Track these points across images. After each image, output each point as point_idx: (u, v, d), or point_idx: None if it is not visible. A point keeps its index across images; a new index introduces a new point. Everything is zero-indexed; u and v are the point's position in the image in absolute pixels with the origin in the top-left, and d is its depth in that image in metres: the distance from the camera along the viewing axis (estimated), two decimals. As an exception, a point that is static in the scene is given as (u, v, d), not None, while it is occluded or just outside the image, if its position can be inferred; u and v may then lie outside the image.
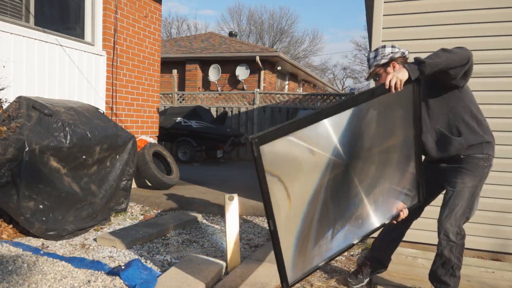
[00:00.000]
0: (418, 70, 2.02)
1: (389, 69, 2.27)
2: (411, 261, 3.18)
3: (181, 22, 45.64)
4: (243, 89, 13.42)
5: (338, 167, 2.03)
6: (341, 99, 2.04)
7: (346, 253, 3.24)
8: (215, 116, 10.42)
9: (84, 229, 3.48)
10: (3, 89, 3.46)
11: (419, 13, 3.39)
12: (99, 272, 2.57)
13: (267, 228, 4.01)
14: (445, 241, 2.22)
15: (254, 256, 3.02)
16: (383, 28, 3.48)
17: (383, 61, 2.28)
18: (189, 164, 8.99)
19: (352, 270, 2.93)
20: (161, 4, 6.00)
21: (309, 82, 18.75)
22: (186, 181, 6.07)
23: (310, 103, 10.79)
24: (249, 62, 13.25)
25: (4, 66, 3.75)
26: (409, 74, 2.01)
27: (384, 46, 2.32)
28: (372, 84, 2.90)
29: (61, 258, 2.76)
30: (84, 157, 3.51)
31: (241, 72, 13.40)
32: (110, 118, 4.76)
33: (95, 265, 2.65)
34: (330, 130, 1.95)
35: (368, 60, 2.39)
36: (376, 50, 2.35)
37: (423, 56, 2.06)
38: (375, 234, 2.52)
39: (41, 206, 3.19)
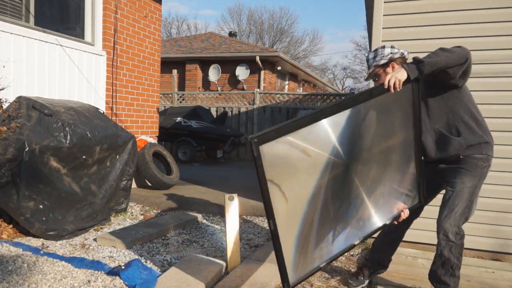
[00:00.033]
0: (417, 70, 2.02)
1: (388, 69, 2.27)
2: (411, 261, 3.18)
3: (181, 22, 45.68)
4: (243, 89, 13.42)
5: (338, 167, 2.03)
6: (340, 99, 2.05)
7: (346, 253, 3.24)
8: (215, 116, 10.42)
9: (84, 229, 3.48)
10: (3, 89, 3.46)
11: (419, 13, 3.39)
12: (99, 272, 2.57)
13: (267, 228, 4.02)
14: (444, 241, 2.22)
15: (254, 256, 3.02)
16: (383, 28, 3.48)
17: (382, 61, 2.28)
18: (189, 164, 8.99)
19: (352, 270, 2.93)
20: (161, 4, 6.00)
21: (309, 82, 18.75)
22: (186, 181, 6.07)
23: (310, 103, 10.79)
24: (249, 62, 13.25)
25: (4, 66, 3.75)
26: (408, 74, 2.01)
27: (383, 47, 2.32)
28: (372, 84, 2.90)
29: (61, 258, 2.76)
30: (84, 157, 3.51)
31: (241, 72, 13.40)
32: (110, 118, 4.76)
33: (95, 265, 2.65)
34: (329, 130, 1.95)
35: (367, 60, 2.39)
36: (376, 50, 2.35)
37: (422, 56, 2.06)
38: (375, 234, 2.52)
39: (41, 206, 3.19)
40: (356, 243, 2.26)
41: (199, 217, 4.23)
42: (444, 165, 2.34)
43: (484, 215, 3.27)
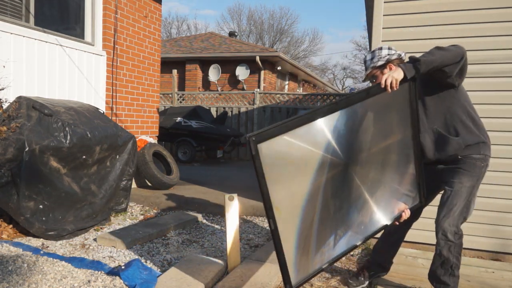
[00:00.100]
0: (413, 69, 2.04)
1: (386, 70, 2.28)
2: (411, 261, 3.18)
3: (181, 22, 45.68)
4: (243, 89, 13.42)
5: (336, 167, 2.03)
6: (338, 99, 2.07)
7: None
8: (215, 116, 10.42)
9: (84, 229, 3.48)
10: (3, 89, 3.46)
11: (419, 13, 3.39)
12: (99, 272, 2.57)
13: (267, 228, 4.02)
14: (443, 241, 2.23)
15: (254, 256, 3.02)
16: (383, 28, 3.48)
17: (380, 63, 2.30)
18: (189, 164, 8.99)
19: (352, 270, 2.93)
20: (161, 4, 6.00)
21: (309, 82, 18.75)
22: (186, 181, 6.07)
23: (310, 103, 10.79)
24: (249, 62, 13.25)
25: (4, 66, 3.75)
26: (404, 73, 2.03)
27: (380, 48, 2.34)
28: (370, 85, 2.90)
29: (61, 258, 2.76)
30: (84, 157, 3.51)
31: (241, 72, 13.40)
32: (110, 118, 4.76)
33: (95, 265, 2.65)
34: (327, 129, 1.96)
35: (365, 62, 2.41)
36: (373, 52, 2.37)
37: None
38: (377, 235, 2.52)
39: (41, 206, 3.19)
40: (358, 243, 2.27)
41: (199, 217, 4.23)
42: (442, 166, 2.35)
43: (484, 215, 3.27)
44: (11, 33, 3.90)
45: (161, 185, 5.22)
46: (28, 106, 3.40)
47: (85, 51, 4.78)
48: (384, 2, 3.47)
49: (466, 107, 2.26)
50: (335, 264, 3.03)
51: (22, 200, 3.07)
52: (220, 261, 2.84)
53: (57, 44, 4.39)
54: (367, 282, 2.66)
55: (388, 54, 2.29)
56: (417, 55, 2.10)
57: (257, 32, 32.34)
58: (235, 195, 2.86)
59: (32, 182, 3.13)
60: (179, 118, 9.31)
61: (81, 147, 3.46)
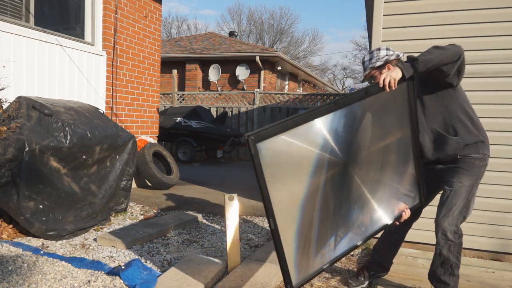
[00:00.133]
0: (411, 68, 2.05)
1: (384, 71, 2.28)
2: (411, 261, 3.18)
3: (181, 22, 45.67)
4: (243, 89, 13.42)
5: (336, 166, 2.04)
6: (336, 98, 2.08)
7: (346, 253, 3.24)
8: (215, 116, 10.42)
9: (84, 229, 3.48)
10: (3, 89, 3.46)
11: (419, 13, 3.39)
12: (99, 272, 2.57)
13: (267, 228, 4.02)
14: (443, 240, 2.23)
15: (254, 256, 3.02)
16: (383, 28, 3.48)
17: (378, 63, 2.31)
18: (189, 164, 8.99)
19: (352, 270, 2.93)
20: (161, 4, 6.00)
21: (309, 82, 18.75)
22: (186, 181, 6.07)
23: (310, 103, 10.79)
24: (249, 62, 13.25)
25: (4, 66, 3.75)
26: (402, 72, 2.04)
27: (378, 49, 2.36)
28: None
29: (61, 258, 2.76)
30: (84, 157, 3.51)
31: (241, 72, 13.40)
32: (110, 118, 4.76)
33: (95, 265, 2.65)
34: (325, 128, 1.97)
35: (363, 63, 2.41)
36: (371, 52, 2.37)
37: None
38: (377, 235, 2.52)
39: (41, 206, 3.19)
40: (358, 243, 2.27)
41: (199, 217, 4.23)
42: (441, 166, 2.35)
43: (484, 215, 3.27)
44: (11, 33, 3.90)
45: (161, 185, 5.22)
46: (28, 106, 3.40)
47: (85, 51, 4.78)
48: (384, 2, 3.47)
49: (464, 107, 2.27)
50: (335, 264, 3.03)
51: (22, 200, 3.07)
52: (220, 261, 2.84)
53: (57, 44, 4.39)
54: (367, 282, 2.66)
55: (387, 55, 2.30)
56: (416, 55, 2.11)
57: (257, 32, 32.36)
58: (235, 195, 2.87)
59: (32, 182, 3.13)
60: (179, 118, 9.31)
61: (81, 147, 3.46)
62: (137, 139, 4.63)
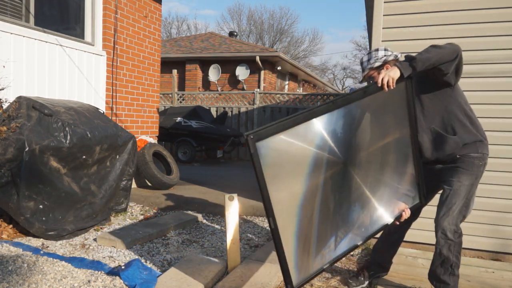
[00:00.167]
0: (409, 67, 2.05)
1: (383, 71, 2.29)
2: (411, 261, 3.18)
3: (181, 22, 45.67)
4: (243, 89, 13.42)
5: (335, 166, 2.04)
6: (335, 98, 2.09)
7: (346, 253, 3.24)
8: (215, 116, 10.43)
9: (84, 229, 3.48)
10: (3, 89, 3.46)
11: (419, 13, 3.39)
12: (99, 272, 2.57)
13: (267, 228, 4.02)
14: (443, 240, 2.23)
15: (254, 256, 3.02)
16: (383, 28, 3.48)
17: (377, 64, 2.32)
18: (189, 164, 8.99)
19: (352, 270, 2.93)
20: (161, 4, 6.00)
21: (309, 82, 18.75)
22: (186, 181, 6.07)
23: (310, 103, 10.79)
24: (249, 62, 13.25)
25: (4, 66, 3.75)
26: (401, 72, 2.04)
27: (377, 49, 2.37)
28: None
29: (61, 258, 2.76)
30: (84, 157, 3.51)
31: (241, 72, 13.40)
32: (110, 118, 4.76)
33: (95, 265, 2.65)
34: (324, 128, 1.97)
35: (362, 63, 2.43)
36: (370, 53, 2.39)
37: None
38: (377, 235, 2.53)
39: (41, 206, 3.19)
40: (359, 243, 2.27)
41: (199, 217, 4.23)
42: (440, 165, 2.35)
43: (484, 215, 3.27)
44: (11, 33, 3.90)
45: (161, 185, 5.22)
46: (28, 106, 3.40)
47: (85, 51, 4.78)
48: (384, 2, 3.47)
49: (463, 106, 2.28)
50: (335, 264, 3.03)
51: (22, 200, 3.07)
52: (220, 261, 2.84)
53: (57, 44, 4.40)
54: (367, 282, 2.66)
55: (385, 55, 2.32)
56: (414, 54, 2.12)
57: (257, 32, 32.36)
58: (235, 195, 2.87)
59: (32, 182, 3.13)
60: (179, 118, 9.31)
61: (81, 147, 3.46)
62: (137, 139, 4.63)
